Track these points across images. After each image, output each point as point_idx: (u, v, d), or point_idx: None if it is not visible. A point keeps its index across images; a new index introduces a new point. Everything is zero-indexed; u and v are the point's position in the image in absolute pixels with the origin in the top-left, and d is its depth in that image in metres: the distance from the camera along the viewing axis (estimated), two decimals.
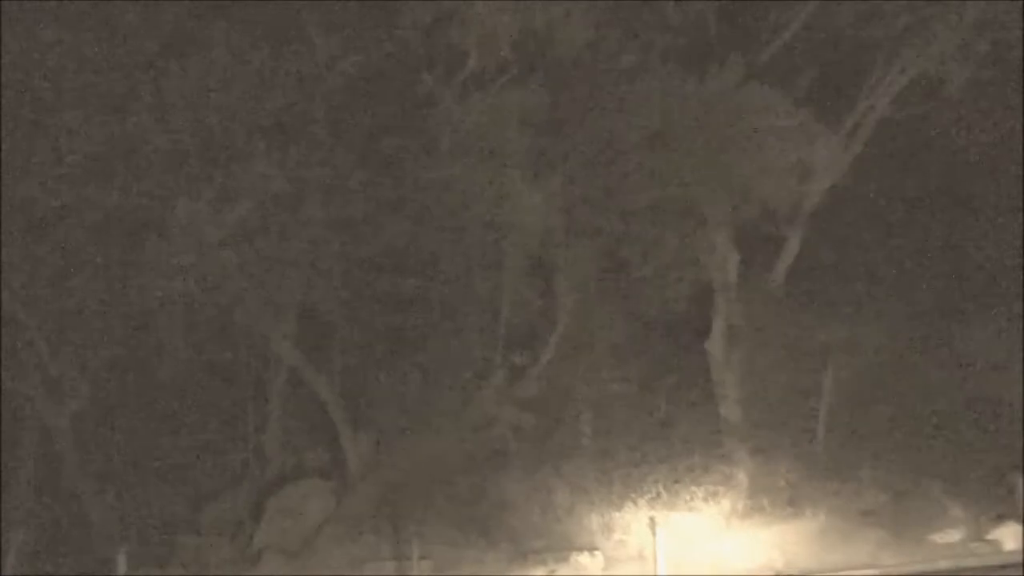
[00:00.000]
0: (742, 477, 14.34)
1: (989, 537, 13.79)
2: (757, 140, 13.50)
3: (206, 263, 13.03)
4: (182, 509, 15.53)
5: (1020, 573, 12.51)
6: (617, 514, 13.92)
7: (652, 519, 12.97)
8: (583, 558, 13.49)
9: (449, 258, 14.68)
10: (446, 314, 14.95)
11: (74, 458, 14.98)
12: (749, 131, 13.09)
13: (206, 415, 16.08)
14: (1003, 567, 13.03)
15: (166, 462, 15.65)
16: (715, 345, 14.87)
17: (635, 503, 13.98)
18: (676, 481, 14.24)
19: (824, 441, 14.60)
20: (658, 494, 14.16)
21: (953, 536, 13.89)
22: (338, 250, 14.47)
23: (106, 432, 15.65)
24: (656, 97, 13.54)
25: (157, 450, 15.70)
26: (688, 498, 14.08)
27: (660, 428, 14.77)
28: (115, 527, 14.95)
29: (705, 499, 14.03)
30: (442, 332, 14.92)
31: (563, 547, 13.64)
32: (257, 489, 15.38)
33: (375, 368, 15.06)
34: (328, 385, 15.03)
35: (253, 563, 13.89)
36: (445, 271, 14.87)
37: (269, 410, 16.19)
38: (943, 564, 13.35)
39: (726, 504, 14.07)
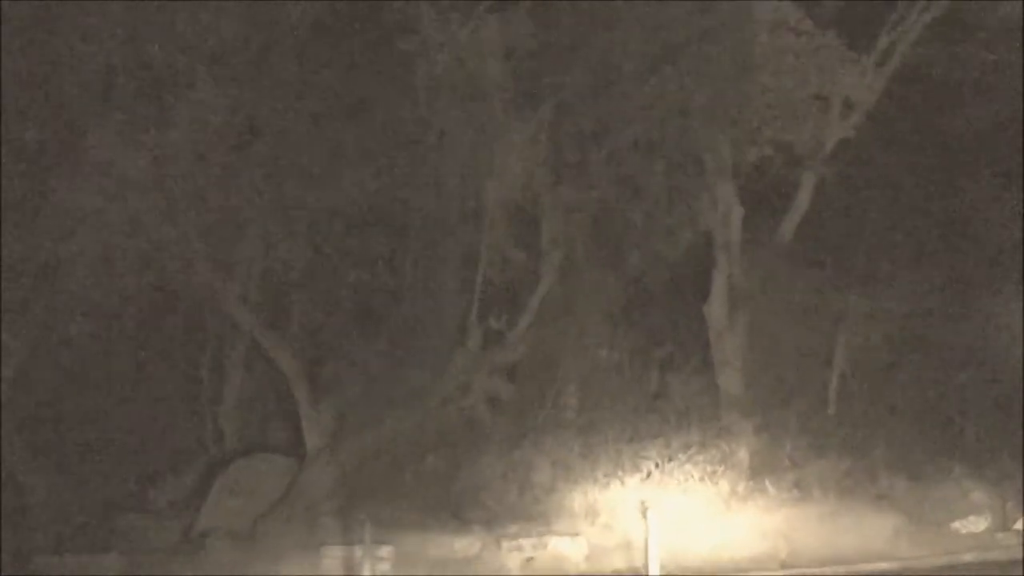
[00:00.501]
0: (743, 455, 12.86)
1: (1016, 527, 12.47)
2: (772, 65, 12.00)
3: (135, 208, 11.55)
4: (128, 488, 13.89)
5: None
6: (603, 495, 12.50)
7: (643, 502, 11.79)
8: (564, 544, 11.99)
9: (423, 210, 13.12)
10: (418, 273, 13.41)
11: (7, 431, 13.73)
12: (764, 54, 11.61)
13: (157, 384, 14.37)
14: None
15: (112, 436, 13.96)
16: (715, 309, 13.36)
17: (623, 483, 12.55)
18: (670, 459, 12.79)
19: (835, 417, 13.24)
20: (649, 473, 12.72)
21: (977, 525, 12.51)
22: (299, 201, 12.84)
23: (45, 403, 14.14)
24: (656, 17, 11.86)
25: (102, 423, 13.95)
26: (683, 478, 12.63)
27: (653, 400, 13.32)
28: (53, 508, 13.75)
29: (702, 479, 12.59)
30: (413, 293, 13.38)
31: (542, 532, 12.14)
32: (208, 466, 13.91)
33: (338, 333, 13.45)
34: (286, 352, 13.51)
35: (196, 546, 12.38)
36: (418, 225, 13.35)
37: (226, 380, 14.57)
38: (967, 557, 12.13)
39: (725, 485, 12.62)
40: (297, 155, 12.69)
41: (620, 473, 12.61)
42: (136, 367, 14.39)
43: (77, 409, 14.04)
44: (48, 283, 12.14)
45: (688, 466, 12.67)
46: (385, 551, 11.59)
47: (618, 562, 11.92)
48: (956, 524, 12.50)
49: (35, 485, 13.57)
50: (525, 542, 11.98)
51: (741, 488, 12.73)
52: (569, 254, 12.79)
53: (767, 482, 12.68)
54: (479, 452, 12.94)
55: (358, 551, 11.37)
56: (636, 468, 12.61)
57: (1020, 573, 11.15)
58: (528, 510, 12.51)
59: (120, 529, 13.27)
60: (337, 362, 13.43)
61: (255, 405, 14.63)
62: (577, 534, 12.14)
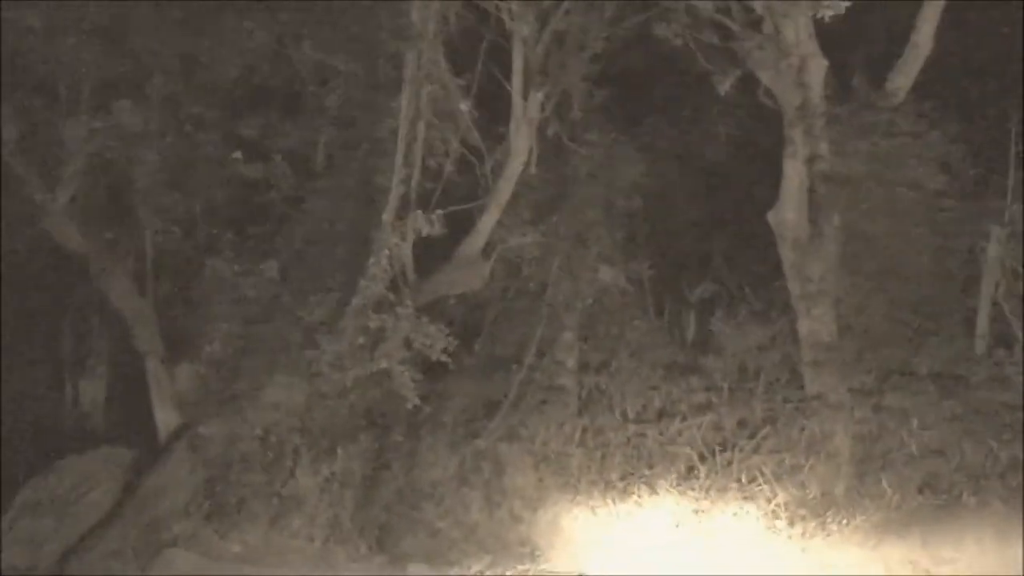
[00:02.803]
0: (842, 439, 8.66)
1: None
2: None
3: None
4: None
5: None
6: (620, 509, 8.22)
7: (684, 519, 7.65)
8: None
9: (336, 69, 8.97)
10: (330, 165, 9.23)
11: None
12: None
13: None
14: None
15: None
16: (786, 212, 8.94)
17: (653, 488, 8.29)
18: (724, 448, 8.69)
19: (986, 373, 8.25)
20: (693, 471, 8.62)
21: None
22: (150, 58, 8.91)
23: None
24: None
25: None
26: (746, 479, 8.36)
27: (692, 356, 8.91)
28: None
29: (778, 479, 8.34)
30: (319, 195, 9.26)
31: (523, 570, 7.89)
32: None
33: (202, 258, 9.06)
34: (125, 284, 9.30)
35: None
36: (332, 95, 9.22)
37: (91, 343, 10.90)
38: None
39: (815, 487, 8.38)
40: None
41: (647, 472, 8.46)
42: None
43: None
44: None
45: (755, 458, 8.51)
46: None
47: None
48: None
49: None
50: None
51: (841, 491, 8.51)
52: (558, 110, 8.29)
53: (883, 480, 8.42)
54: (418, 441, 8.58)
55: None
56: (671, 463, 8.40)
57: None
58: (500, 535, 8.34)
59: None
60: (200, 304, 9.37)
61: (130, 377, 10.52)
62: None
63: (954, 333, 9.03)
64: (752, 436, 8.74)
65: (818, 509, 8.51)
